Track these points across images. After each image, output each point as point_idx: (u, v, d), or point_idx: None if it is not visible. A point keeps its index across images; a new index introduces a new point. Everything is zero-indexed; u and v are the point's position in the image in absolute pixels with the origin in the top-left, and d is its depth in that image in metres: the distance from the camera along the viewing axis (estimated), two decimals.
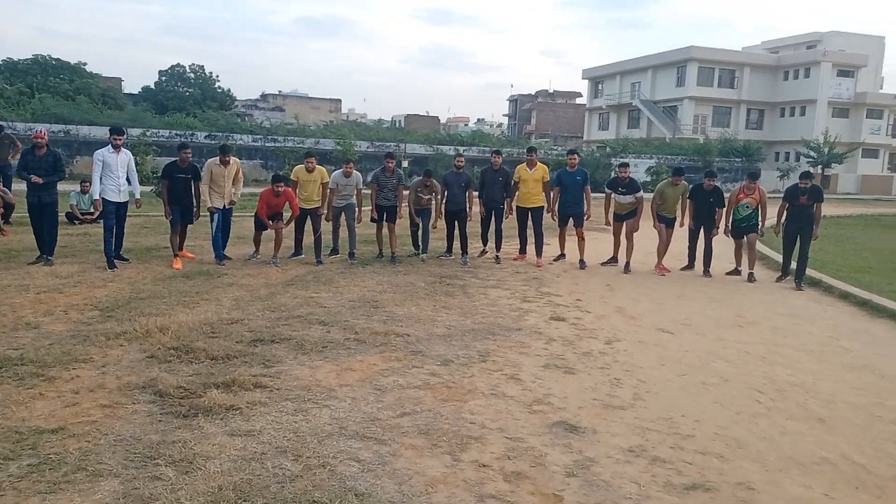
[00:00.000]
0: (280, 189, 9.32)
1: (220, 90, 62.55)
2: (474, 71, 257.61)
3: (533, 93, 79.97)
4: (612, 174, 13.60)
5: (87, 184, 12.02)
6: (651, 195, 10.42)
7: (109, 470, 3.39)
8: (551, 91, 79.30)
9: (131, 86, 70.38)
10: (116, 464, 3.46)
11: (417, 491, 3.32)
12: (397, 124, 77.64)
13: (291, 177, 9.63)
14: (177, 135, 27.94)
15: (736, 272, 10.20)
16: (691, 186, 10.30)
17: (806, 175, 9.61)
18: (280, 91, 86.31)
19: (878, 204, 33.71)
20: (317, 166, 9.55)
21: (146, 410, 4.17)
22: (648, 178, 32.71)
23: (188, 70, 61.89)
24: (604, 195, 10.73)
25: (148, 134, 26.41)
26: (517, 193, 10.48)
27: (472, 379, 5.02)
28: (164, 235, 11.56)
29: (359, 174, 10.13)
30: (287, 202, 9.45)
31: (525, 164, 10.51)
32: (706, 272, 10.13)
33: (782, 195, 9.98)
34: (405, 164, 29.67)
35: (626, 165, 10.62)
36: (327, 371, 5.03)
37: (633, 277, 9.74)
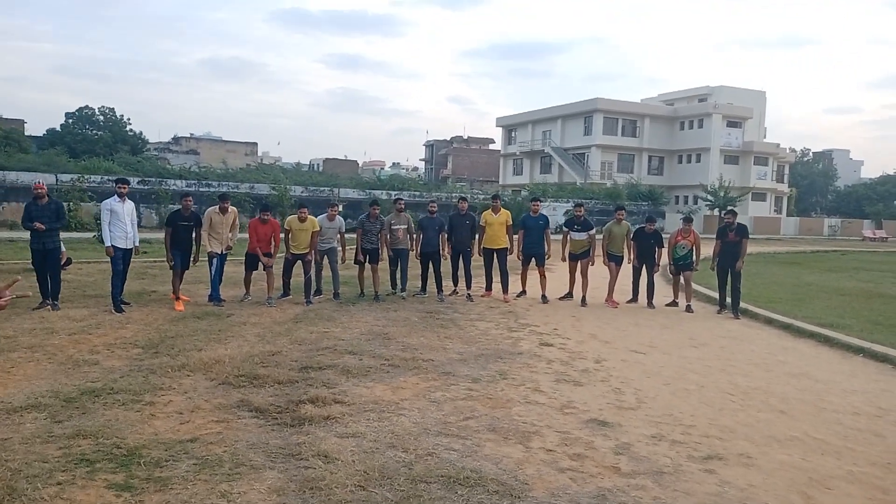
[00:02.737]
0: (266, 217, 10.12)
1: (131, 133, 61.34)
2: (385, 115, 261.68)
3: (448, 138, 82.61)
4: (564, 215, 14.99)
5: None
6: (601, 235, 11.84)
7: (263, 464, 4.18)
8: (465, 137, 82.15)
9: (33, 128, 67.47)
10: (266, 460, 4.24)
11: (511, 468, 4.28)
12: (315, 167, 78.14)
13: (285, 226, 10.38)
14: (109, 180, 27.62)
15: (674, 304, 11.68)
16: (635, 229, 11.78)
17: (730, 212, 11.30)
18: (192, 134, 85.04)
19: (770, 243, 37.24)
20: (308, 216, 10.36)
21: (255, 423, 4.93)
22: (563, 221, 34.87)
23: (97, 112, 60.47)
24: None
25: (81, 180, 26.04)
26: (484, 236, 11.65)
27: (504, 392, 6.02)
28: (142, 280, 12.04)
29: (341, 219, 11.03)
30: (272, 234, 10.19)
31: (490, 209, 11.72)
32: (650, 304, 11.55)
33: (714, 235, 11.60)
34: (339, 207, 30.40)
35: (580, 205, 12.06)
36: (382, 390, 5.91)
37: (592, 310, 11.02)
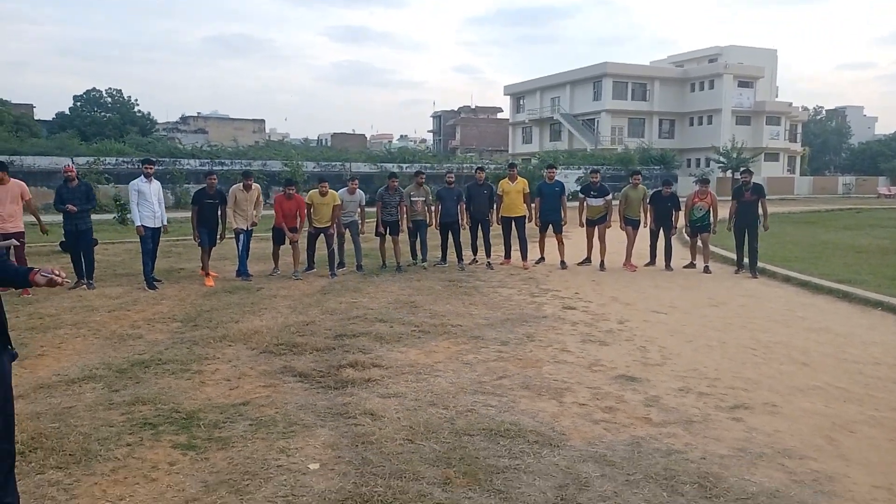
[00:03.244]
0: (291, 192, 10.33)
1: (139, 114, 61.44)
2: (392, 87, 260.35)
3: (456, 109, 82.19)
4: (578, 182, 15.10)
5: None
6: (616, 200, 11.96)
7: (314, 423, 4.43)
8: (473, 107, 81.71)
9: (42, 112, 67.80)
10: (316, 419, 4.50)
11: (548, 421, 4.52)
12: (324, 143, 78.10)
13: (307, 200, 10.57)
14: (124, 161, 27.92)
15: (692, 265, 11.84)
16: (651, 192, 11.90)
17: (746, 171, 11.39)
18: (199, 113, 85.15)
19: (784, 203, 37.07)
20: (329, 190, 10.54)
21: (301, 387, 5.19)
22: (579, 188, 34.86)
23: (105, 94, 60.61)
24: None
25: (96, 163, 26.30)
26: (501, 205, 11.80)
27: (533, 353, 6.25)
28: (168, 258, 12.32)
29: (362, 192, 11.22)
30: (298, 209, 10.40)
31: (507, 178, 11.86)
32: (668, 266, 11.71)
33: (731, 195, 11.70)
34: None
35: (596, 171, 12.18)
36: (416, 354, 6.15)
37: (610, 274, 11.20)
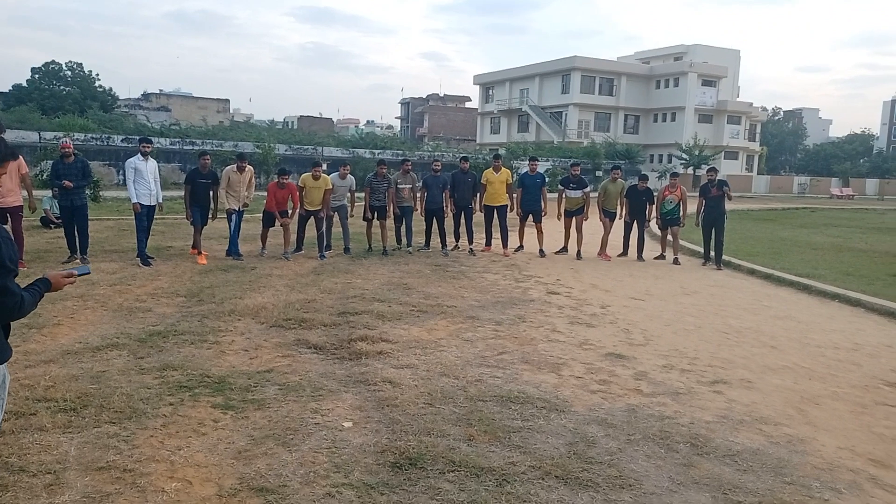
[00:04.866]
0: (285, 181, 10.59)
1: (100, 89, 59.98)
2: (358, 71, 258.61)
3: (424, 96, 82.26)
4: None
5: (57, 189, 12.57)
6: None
7: (338, 388, 4.81)
8: (442, 95, 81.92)
9: None
10: (339, 385, 4.88)
11: (549, 389, 4.98)
12: (290, 125, 77.40)
13: (299, 183, 10.83)
14: (93, 138, 27.54)
15: (661, 257, 12.45)
16: (628, 186, 12.48)
17: (711, 169, 12.06)
18: (161, 90, 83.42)
19: (743, 200, 38.38)
20: (322, 175, 10.83)
21: (317, 357, 5.55)
22: (547, 180, 35.58)
23: (65, 67, 59.03)
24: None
25: (65, 137, 25.84)
26: (484, 193, 12.24)
27: (527, 332, 6.71)
28: (154, 237, 12.43)
29: (352, 177, 11.53)
30: (290, 195, 10.68)
31: (492, 168, 12.30)
32: (640, 257, 12.31)
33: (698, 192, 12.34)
34: (324, 166, 30.64)
35: (577, 164, 12.72)
36: (418, 331, 6.55)
37: (587, 263, 11.75)
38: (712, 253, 11.90)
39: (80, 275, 2.90)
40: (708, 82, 56.49)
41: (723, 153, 53.67)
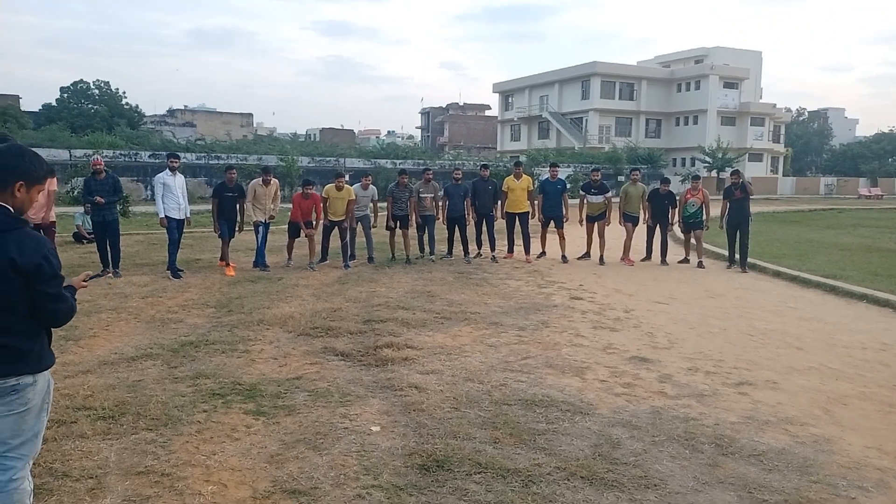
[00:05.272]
0: (309, 191, 10.76)
1: (127, 107, 61.14)
2: (376, 83, 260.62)
3: (444, 105, 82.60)
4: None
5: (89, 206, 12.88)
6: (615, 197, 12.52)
7: (365, 394, 4.91)
8: (461, 104, 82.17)
9: (27, 103, 67.09)
10: (366, 391, 4.98)
11: (574, 393, 5.03)
12: (312, 138, 78.19)
13: (323, 194, 11.01)
14: (121, 154, 28.10)
15: (685, 261, 12.42)
16: (650, 190, 12.47)
17: (735, 172, 12.00)
18: (186, 106, 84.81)
19: (769, 202, 37.97)
20: (345, 185, 11.00)
21: (344, 364, 5.66)
22: (568, 186, 35.55)
23: (92, 86, 60.26)
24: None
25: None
26: (506, 201, 12.32)
27: (550, 337, 6.76)
28: (182, 250, 12.67)
29: (374, 187, 11.68)
30: (314, 206, 10.84)
31: (513, 175, 12.38)
32: (663, 261, 12.29)
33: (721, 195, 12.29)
34: (347, 177, 30.95)
35: (597, 169, 12.74)
36: (442, 338, 6.63)
37: (610, 268, 11.76)
38: (737, 256, 11.84)
39: (93, 277, 3.17)
40: (730, 84, 55.99)
41: (747, 155, 53.04)
